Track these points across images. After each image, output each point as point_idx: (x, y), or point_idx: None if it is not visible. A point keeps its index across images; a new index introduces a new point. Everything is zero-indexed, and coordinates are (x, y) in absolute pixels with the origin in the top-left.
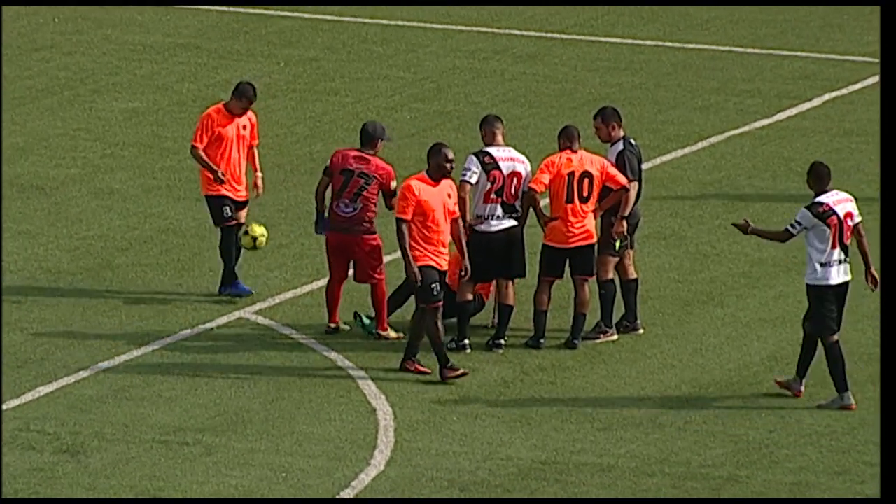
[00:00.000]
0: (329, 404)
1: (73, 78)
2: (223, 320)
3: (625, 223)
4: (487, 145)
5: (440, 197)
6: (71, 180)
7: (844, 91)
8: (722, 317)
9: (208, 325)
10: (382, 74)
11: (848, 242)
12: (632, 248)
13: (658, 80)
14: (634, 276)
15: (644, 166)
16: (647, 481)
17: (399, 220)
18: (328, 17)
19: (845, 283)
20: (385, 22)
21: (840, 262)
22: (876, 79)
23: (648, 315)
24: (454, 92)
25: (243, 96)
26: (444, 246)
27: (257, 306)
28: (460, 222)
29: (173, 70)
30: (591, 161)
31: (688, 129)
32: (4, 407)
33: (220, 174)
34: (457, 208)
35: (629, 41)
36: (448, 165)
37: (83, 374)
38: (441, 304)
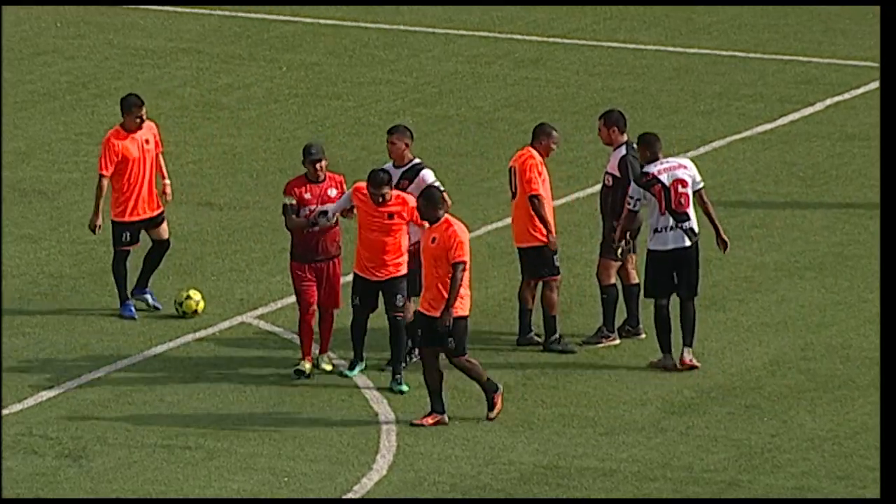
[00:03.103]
0: (331, 408)
1: (75, 82)
2: (225, 325)
3: None
4: (408, 160)
5: (425, 240)
6: (73, 184)
7: (847, 96)
8: (724, 321)
9: (210, 330)
10: (384, 79)
11: (685, 209)
12: (634, 252)
13: (660, 85)
14: (636, 280)
15: None
16: (649, 486)
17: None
18: (330, 22)
19: (682, 249)
20: (387, 26)
21: (671, 228)
22: (878, 83)
23: (650, 320)
24: (456, 96)
25: (132, 107)
26: (426, 290)
27: (259, 311)
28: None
29: (175, 75)
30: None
31: (690, 133)
32: (6, 411)
33: (96, 224)
34: (449, 253)
35: (631, 46)
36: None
37: (85, 378)
38: (426, 350)
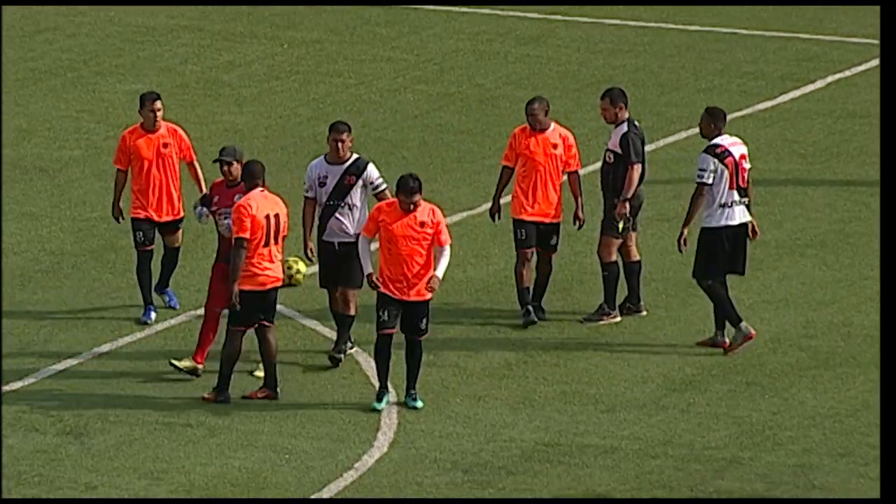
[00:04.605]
0: (332, 386)
1: (76, 60)
2: None
3: (627, 205)
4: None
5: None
6: (74, 162)
7: (848, 73)
8: None
9: None
10: (385, 56)
11: (746, 185)
12: (635, 230)
13: (661, 62)
14: (637, 258)
15: (647, 148)
16: (650, 463)
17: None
18: None
19: (743, 224)
20: (388, 4)
21: (737, 202)
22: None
23: (652, 297)
24: (457, 74)
25: (144, 101)
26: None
27: None
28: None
29: (176, 52)
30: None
31: (691, 111)
32: (7, 389)
33: (119, 213)
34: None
35: (632, 23)
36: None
37: (86, 355)
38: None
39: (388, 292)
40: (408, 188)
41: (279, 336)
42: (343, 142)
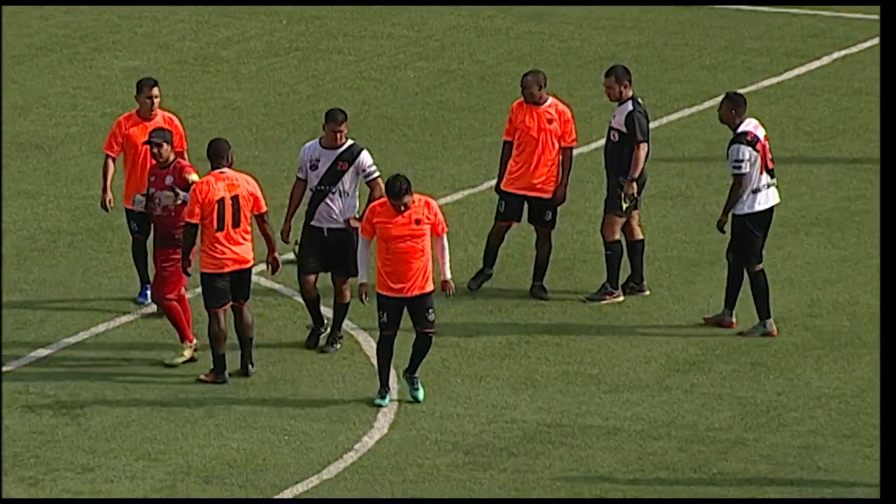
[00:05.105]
0: (332, 366)
1: (73, 36)
2: None
3: (634, 184)
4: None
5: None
6: (71, 139)
7: (853, 49)
8: None
9: None
10: (386, 33)
11: (772, 166)
12: (638, 208)
13: (665, 39)
14: (641, 236)
15: (651, 126)
16: (653, 444)
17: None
18: None
19: (774, 207)
20: None
21: (768, 185)
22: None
23: (655, 276)
24: (458, 50)
25: (142, 87)
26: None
27: (260, 268)
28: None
29: (174, 28)
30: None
31: (695, 88)
32: (3, 369)
33: (105, 200)
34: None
35: None
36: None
37: (83, 335)
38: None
39: (387, 293)
40: (396, 191)
41: (277, 316)
42: (342, 132)
